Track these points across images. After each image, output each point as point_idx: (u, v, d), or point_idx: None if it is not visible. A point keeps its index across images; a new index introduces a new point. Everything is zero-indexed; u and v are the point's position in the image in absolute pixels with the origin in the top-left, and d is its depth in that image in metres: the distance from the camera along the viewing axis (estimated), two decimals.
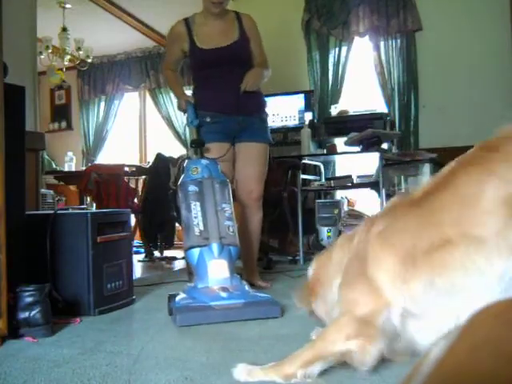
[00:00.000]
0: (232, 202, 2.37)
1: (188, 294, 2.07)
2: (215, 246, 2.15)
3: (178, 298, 2.03)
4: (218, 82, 2.67)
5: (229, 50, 2.69)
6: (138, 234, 4.87)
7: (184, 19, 2.81)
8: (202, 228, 2.19)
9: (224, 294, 2.00)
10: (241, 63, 2.69)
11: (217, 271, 2.11)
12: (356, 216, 4.09)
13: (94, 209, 4.32)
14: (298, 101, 4.68)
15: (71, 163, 5.80)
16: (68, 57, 5.43)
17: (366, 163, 4.21)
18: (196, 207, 2.23)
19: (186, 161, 2.49)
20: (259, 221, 2.82)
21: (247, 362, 1.33)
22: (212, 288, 2.05)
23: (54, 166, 6.43)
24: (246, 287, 2.12)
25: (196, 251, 2.16)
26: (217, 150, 2.62)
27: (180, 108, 2.73)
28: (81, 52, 5.47)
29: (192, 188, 2.28)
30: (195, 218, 2.21)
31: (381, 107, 4.52)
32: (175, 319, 1.89)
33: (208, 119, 2.66)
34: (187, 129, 6.09)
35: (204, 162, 2.39)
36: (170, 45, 2.89)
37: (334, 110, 4.54)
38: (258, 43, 2.79)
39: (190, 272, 2.56)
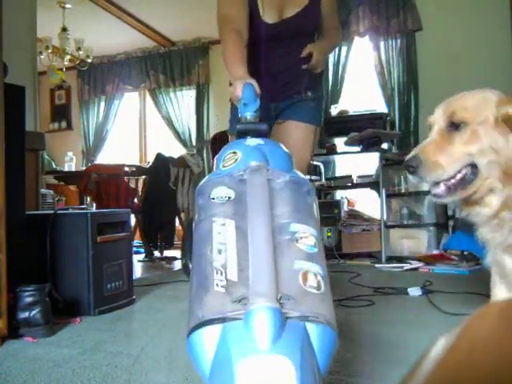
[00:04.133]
0: (319, 224, 1.05)
1: None
2: (265, 317, 0.73)
3: None
4: (271, 59, 2.01)
5: (294, 22, 1.97)
6: (138, 233, 4.87)
7: None
8: (233, 277, 0.84)
9: None
10: (309, 34, 2.05)
11: None
12: (356, 216, 4.09)
13: (94, 209, 4.32)
14: None
15: (71, 163, 5.80)
16: (68, 57, 5.43)
17: (366, 163, 4.21)
18: (225, 231, 0.92)
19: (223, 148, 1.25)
20: None
21: None
22: None
23: (54, 166, 6.43)
24: None
25: (213, 332, 0.78)
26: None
27: (232, 96, 1.63)
28: (81, 52, 5.46)
29: (220, 192, 1.02)
30: (219, 251, 0.89)
31: (381, 107, 4.52)
32: None
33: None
34: (187, 129, 6.13)
35: (253, 141, 1.17)
36: (234, 4, 1.88)
37: (334, 110, 4.54)
38: (332, 4, 2.10)
39: None
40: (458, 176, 1.18)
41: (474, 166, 1.17)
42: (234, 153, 1.13)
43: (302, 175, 1.14)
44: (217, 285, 0.82)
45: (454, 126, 1.20)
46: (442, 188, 1.19)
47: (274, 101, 2.05)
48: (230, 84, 1.73)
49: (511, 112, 1.14)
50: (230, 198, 1.00)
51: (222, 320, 0.77)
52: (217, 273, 0.85)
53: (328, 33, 2.11)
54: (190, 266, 0.97)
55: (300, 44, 1.99)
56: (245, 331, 0.74)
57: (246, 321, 0.74)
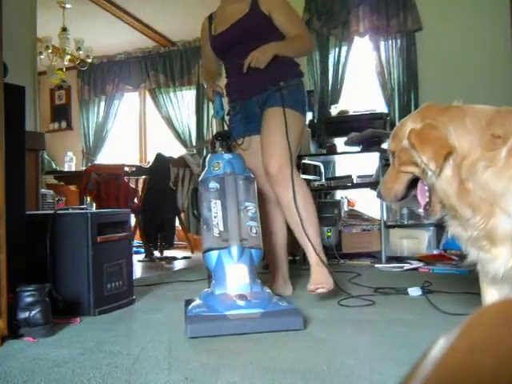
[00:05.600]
0: (257, 200, 2.14)
1: (204, 300, 1.90)
2: (235, 249, 1.94)
3: (191, 306, 1.87)
4: (232, 66, 2.49)
5: (237, 28, 2.41)
6: (138, 233, 4.87)
7: (210, 14, 2.66)
8: (221, 229, 1.98)
9: (241, 303, 1.80)
10: (253, 39, 2.35)
11: (236, 277, 1.90)
12: (356, 216, 4.09)
13: (93, 209, 4.32)
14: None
15: (71, 163, 5.80)
16: (68, 57, 5.43)
17: (366, 163, 4.21)
18: (216, 206, 2.02)
19: (209, 156, 2.26)
20: (288, 206, 2.29)
21: (247, 363, 1.33)
22: (229, 295, 1.85)
23: (54, 166, 6.43)
24: (268, 295, 1.89)
25: (214, 254, 1.97)
26: (243, 144, 2.48)
27: (209, 99, 2.56)
28: (81, 52, 5.47)
29: (213, 185, 2.07)
30: (215, 217, 2.00)
31: (381, 107, 4.52)
32: (186, 329, 1.73)
33: (231, 111, 2.57)
34: (187, 129, 6.12)
35: (226, 156, 2.17)
36: (202, 45, 2.70)
37: (334, 110, 4.54)
38: (285, 15, 2.41)
39: (209, 276, 2.31)
40: (412, 193, 1.46)
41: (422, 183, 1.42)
42: (218, 163, 2.15)
43: (249, 173, 2.19)
44: (214, 232, 2.00)
45: (392, 154, 1.48)
46: (420, 210, 1.46)
47: (255, 94, 2.43)
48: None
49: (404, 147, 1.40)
50: (217, 188, 2.08)
51: (219, 249, 1.97)
52: (215, 226, 2.01)
53: (290, 38, 2.42)
54: (200, 217, 2.10)
55: (254, 46, 2.31)
56: (228, 254, 1.95)
57: (229, 250, 1.96)
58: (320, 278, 2.23)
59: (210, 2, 2.94)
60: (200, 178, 2.16)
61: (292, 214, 2.28)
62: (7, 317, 1.67)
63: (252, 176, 2.16)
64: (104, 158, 6.60)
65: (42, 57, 5.10)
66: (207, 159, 2.22)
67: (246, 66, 2.29)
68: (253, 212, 2.05)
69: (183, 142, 6.11)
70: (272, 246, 2.55)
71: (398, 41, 4.58)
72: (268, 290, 1.94)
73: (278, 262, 2.57)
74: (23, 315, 1.75)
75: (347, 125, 4.20)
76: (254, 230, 2.02)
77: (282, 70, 2.38)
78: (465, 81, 4.27)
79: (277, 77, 2.36)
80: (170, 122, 6.24)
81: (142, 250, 4.85)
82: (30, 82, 3.58)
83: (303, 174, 3.99)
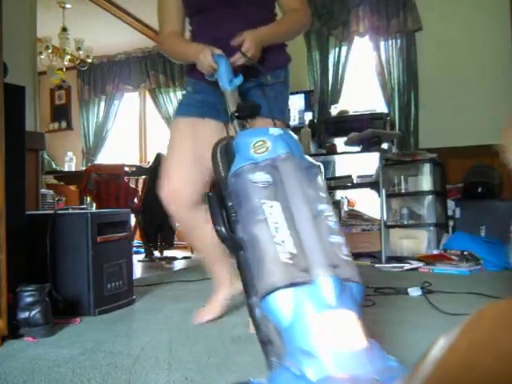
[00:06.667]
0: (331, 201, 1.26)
1: None
2: (329, 283, 1.00)
3: None
4: (208, 33, 1.81)
5: None
6: (138, 233, 4.87)
7: None
8: (292, 250, 1.05)
9: None
10: (247, 2, 1.79)
11: (340, 334, 0.96)
12: (356, 216, 4.09)
13: (93, 209, 4.32)
14: (298, 101, 4.68)
15: (71, 163, 5.80)
16: (68, 57, 5.44)
17: (366, 163, 4.21)
18: (274, 211, 1.10)
19: (239, 134, 1.32)
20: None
21: (247, 363, 1.33)
22: (340, 378, 0.89)
23: (54, 166, 6.43)
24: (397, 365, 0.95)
25: (287, 296, 1.00)
26: (189, 127, 1.85)
27: (205, 68, 1.63)
28: (81, 52, 5.47)
29: (261, 176, 1.16)
30: (276, 229, 1.08)
31: (381, 107, 4.52)
32: None
33: (189, 88, 1.93)
34: None
35: (274, 131, 1.24)
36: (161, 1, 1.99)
37: (334, 110, 4.54)
38: None
39: (263, 340, 1.13)
40: None
41: None
42: (263, 141, 1.21)
43: (310, 159, 1.29)
44: (282, 256, 1.03)
45: None
46: None
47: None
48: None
49: None
50: (269, 181, 1.14)
51: (296, 285, 0.99)
52: (278, 245, 1.05)
53: (285, 15, 1.83)
54: (233, 238, 1.17)
55: (245, 12, 1.76)
56: (315, 294, 0.98)
57: (315, 286, 0.98)
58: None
59: None
60: (230, 173, 1.20)
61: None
62: (7, 317, 1.67)
63: (317, 163, 1.30)
64: (104, 158, 6.59)
65: (42, 57, 5.10)
66: (237, 140, 1.27)
67: (236, 44, 1.63)
68: (334, 221, 1.15)
69: None
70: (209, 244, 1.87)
71: (398, 41, 4.58)
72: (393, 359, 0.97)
73: (223, 259, 1.94)
74: (23, 315, 1.75)
75: (347, 125, 4.20)
76: (344, 251, 1.12)
77: (269, 57, 1.75)
78: (465, 81, 4.27)
79: (263, 65, 1.72)
80: (169, 122, 6.23)
81: (142, 250, 4.85)
82: (30, 82, 3.58)
83: None
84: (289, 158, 1.19)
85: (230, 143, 1.28)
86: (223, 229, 1.19)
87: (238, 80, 1.54)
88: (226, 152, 1.28)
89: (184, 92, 1.98)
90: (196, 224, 1.89)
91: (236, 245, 1.17)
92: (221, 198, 1.23)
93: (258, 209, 1.10)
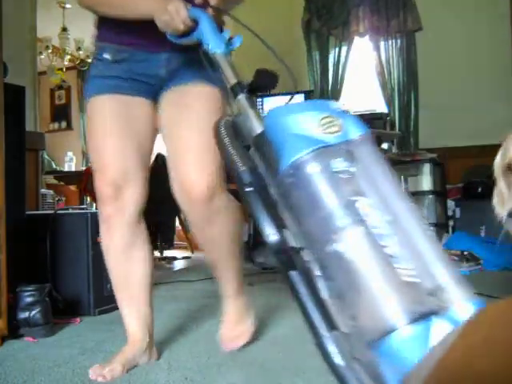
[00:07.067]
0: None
1: None
2: (469, 310, 0.69)
3: None
4: None
5: None
6: None
7: None
8: (411, 264, 0.73)
9: None
10: None
11: None
12: None
13: (93, 209, 4.32)
14: (298, 101, 4.67)
15: (71, 163, 5.80)
16: (68, 57, 5.44)
17: None
18: (371, 212, 0.77)
19: (274, 112, 0.89)
20: (221, 233, 1.52)
21: (247, 363, 1.33)
22: None
23: (54, 166, 6.42)
24: None
25: (420, 331, 0.62)
26: (113, 109, 1.42)
27: (175, 25, 1.21)
28: (81, 52, 5.47)
29: (341, 164, 0.80)
30: (381, 237, 0.75)
31: (381, 107, 4.53)
32: None
33: (107, 56, 1.40)
34: None
35: (334, 105, 0.90)
36: None
37: None
38: None
39: None
40: None
41: None
42: (331, 117, 0.86)
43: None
44: (403, 275, 0.71)
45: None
46: None
47: (166, 48, 1.36)
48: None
49: None
50: (350, 172, 0.81)
51: (426, 316, 0.67)
52: (395, 261, 0.72)
53: None
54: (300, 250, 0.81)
55: None
56: (454, 325, 0.65)
57: (452, 315, 0.68)
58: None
59: None
60: (291, 160, 0.81)
61: (213, 250, 1.58)
62: (7, 317, 1.67)
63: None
64: None
65: (42, 57, 5.10)
66: (278, 118, 0.87)
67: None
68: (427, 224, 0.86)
69: None
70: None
71: (398, 41, 4.58)
72: None
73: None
74: (23, 315, 1.75)
75: None
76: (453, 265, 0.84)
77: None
78: (465, 81, 4.27)
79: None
80: None
81: None
82: (30, 82, 3.59)
83: None
84: (365, 143, 0.86)
85: (237, 124, 0.95)
86: (277, 236, 0.82)
87: (239, 40, 1.19)
88: (235, 137, 0.94)
89: (95, 61, 1.45)
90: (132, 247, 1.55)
91: (294, 260, 0.81)
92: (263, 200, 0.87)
93: (347, 209, 0.76)
